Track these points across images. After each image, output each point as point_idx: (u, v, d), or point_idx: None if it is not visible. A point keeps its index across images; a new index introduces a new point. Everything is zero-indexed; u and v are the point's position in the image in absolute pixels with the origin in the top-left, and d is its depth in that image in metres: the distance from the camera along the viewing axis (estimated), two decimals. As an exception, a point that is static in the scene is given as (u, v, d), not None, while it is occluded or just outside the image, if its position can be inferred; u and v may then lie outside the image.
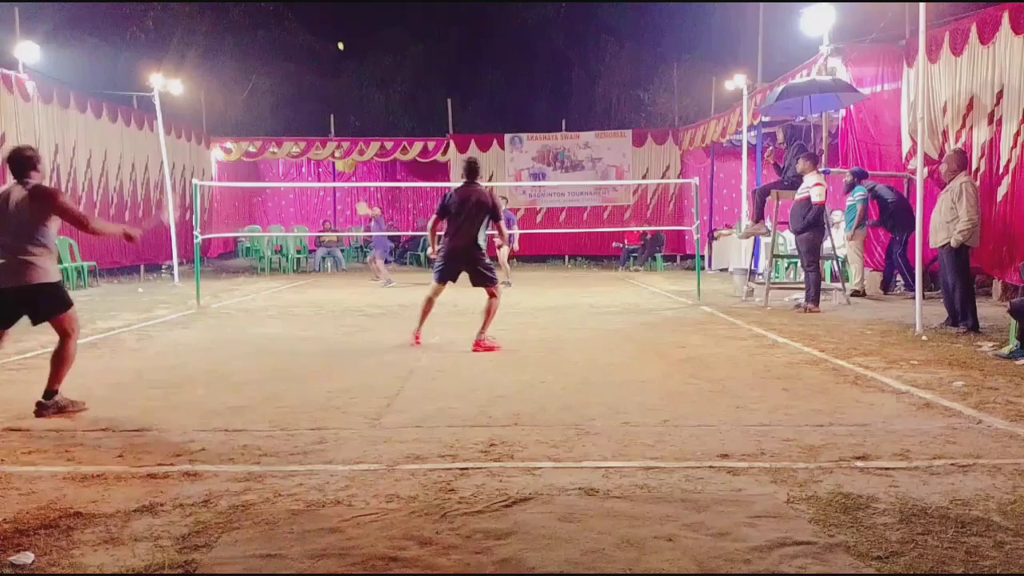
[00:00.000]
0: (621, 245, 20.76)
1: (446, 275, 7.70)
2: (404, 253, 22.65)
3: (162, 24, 23.95)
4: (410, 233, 23.02)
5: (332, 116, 23.22)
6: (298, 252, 20.63)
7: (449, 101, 22.73)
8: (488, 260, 7.73)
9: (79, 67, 18.27)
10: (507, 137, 22.40)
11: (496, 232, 8.01)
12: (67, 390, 5.18)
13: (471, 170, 7.71)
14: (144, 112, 17.67)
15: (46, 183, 5.40)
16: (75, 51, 18.89)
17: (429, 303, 7.81)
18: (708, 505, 3.35)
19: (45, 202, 5.05)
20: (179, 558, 2.85)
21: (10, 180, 5.15)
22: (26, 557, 2.85)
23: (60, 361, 5.17)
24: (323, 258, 20.11)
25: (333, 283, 16.17)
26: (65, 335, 5.19)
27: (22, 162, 5.11)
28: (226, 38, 25.87)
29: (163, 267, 18.13)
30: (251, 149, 22.70)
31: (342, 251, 21.15)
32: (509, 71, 30.13)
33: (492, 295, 7.59)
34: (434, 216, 7.79)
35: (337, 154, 22.83)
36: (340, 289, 14.58)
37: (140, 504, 3.39)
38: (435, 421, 4.83)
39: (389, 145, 22.82)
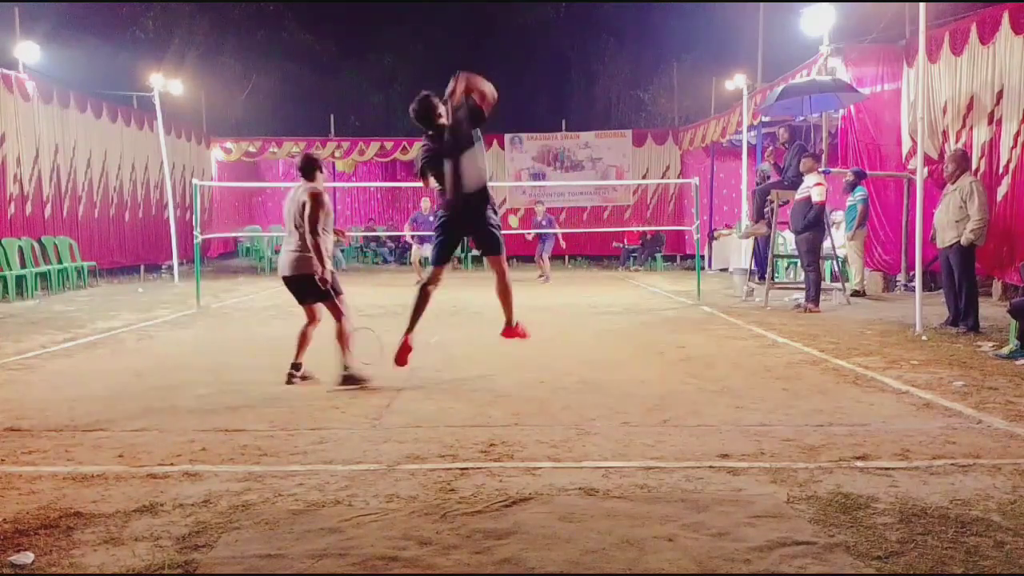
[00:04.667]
0: (621, 245, 20.75)
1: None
2: (404, 253, 22.63)
3: (162, 24, 23.94)
4: (410, 233, 23.02)
5: (332, 116, 23.18)
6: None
7: (449, 101, 22.71)
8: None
9: (79, 67, 18.22)
10: (507, 137, 22.37)
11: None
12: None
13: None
14: (144, 112, 17.66)
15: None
16: (75, 51, 18.85)
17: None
18: (708, 505, 3.35)
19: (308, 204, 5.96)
20: (179, 558, 2.85)
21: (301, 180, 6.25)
22: (26, 557, 2.85)
23: (303, 338, 6.11)
24: (323, 258, 20.07)
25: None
26: (311, 317, 6.23)
27: (308, 165, 6.21)
28: (226, 38, 25.83)
29: (163, 267, 18.12)
30: (251, 149, 22.70)
31: (342, 251, 21.13)
32: (509, 71, 30.04)
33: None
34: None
35: (337, 154, 22.81)
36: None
37: (140, 504, 3.39)
38: (435, 421, 4.83)
39: (389, 145, 22.79)
